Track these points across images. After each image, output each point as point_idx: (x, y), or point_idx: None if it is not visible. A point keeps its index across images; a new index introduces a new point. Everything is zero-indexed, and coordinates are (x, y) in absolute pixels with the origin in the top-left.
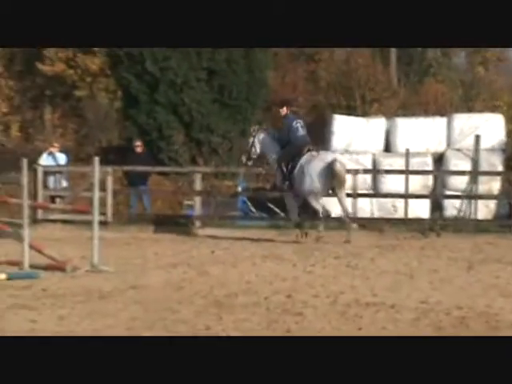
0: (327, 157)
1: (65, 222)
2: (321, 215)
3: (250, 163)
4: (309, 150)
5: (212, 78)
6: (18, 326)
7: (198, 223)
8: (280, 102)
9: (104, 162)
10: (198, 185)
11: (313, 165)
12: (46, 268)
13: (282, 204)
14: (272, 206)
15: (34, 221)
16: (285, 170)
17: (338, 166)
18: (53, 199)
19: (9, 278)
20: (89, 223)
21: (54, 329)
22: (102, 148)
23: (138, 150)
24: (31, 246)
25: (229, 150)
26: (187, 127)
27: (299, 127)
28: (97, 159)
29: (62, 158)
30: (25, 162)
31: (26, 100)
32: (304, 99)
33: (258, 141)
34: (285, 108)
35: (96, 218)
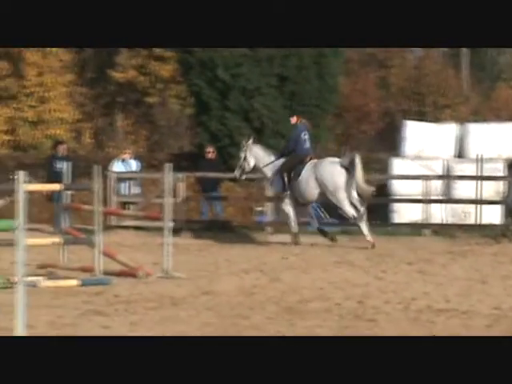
0: (334, 159)
1: (137, 228)
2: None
3: (243, 177)
4: (310, 159)
5: (283, 84)
6: (91, 332)
7: (269, 229)
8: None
9: (176, 168)
10: (269, 191)
11: (325, 168)
12: (119, 274)
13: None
14: (343, 212)
15: (107, 227)
16: (286, 178)
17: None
18: (125, 206)
19: (81, 285)
20: (161, 230)
21: (126, 335)
22: (174, 154)
23: (210, 156)
24: (104, 253)
25: None
26: (258, 133)
27: (306, 139)
28: (168, 166)
29: (133, 165)
30: (97, 168)
31: (98, 107)
32: (375, 105)
33: (251, 154)
34: (295, 117)
35: (168, 224)
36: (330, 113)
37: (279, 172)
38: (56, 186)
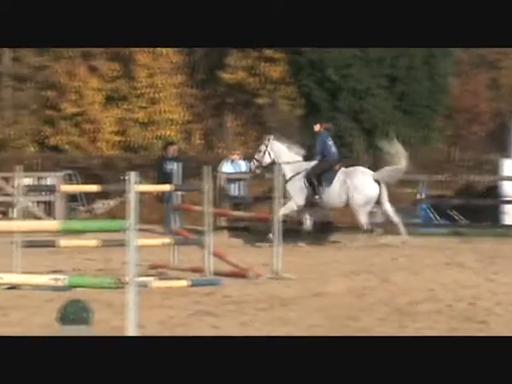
0: (365, 170)
1: (246, 229)
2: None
3: (258, 171)
4: (340, 167)
5: (393, 84)
6: (201, 332)
7: (379, 230)
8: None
9: None
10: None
11: (358, 178)
12: (228, 275)
13: (464, 211)
14: (454, 213)
15: (216, 228)
16: (316, 183)
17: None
18: (234, 206)
19: (192, 285)
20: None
21: (236, 335)
22: None
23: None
24: (214, 253)
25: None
26: (368, 134)
27: (332, 145)
28: (278, 167)
29: (243, 166)
30: (207, 169)
31: (208, 108)
32: (486, 106)
33: (272, 149)
34: (318, 125)
35: (278, 225)
36: (440, 114)
37: (308, 177)
38: (166, 187)
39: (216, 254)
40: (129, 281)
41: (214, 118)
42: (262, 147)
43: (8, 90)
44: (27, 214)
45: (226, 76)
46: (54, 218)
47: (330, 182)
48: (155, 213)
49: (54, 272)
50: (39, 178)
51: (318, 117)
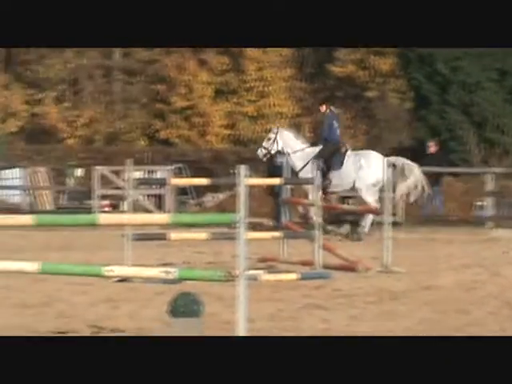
0: (377, 154)
1: (356, 222)
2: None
3: (265, 159)
4: (346, 149)
5: (503, 78)
6: (311, 325)
7: (489, 224)
8: (321, 100)
9: None
10: (490, 185)
11: (371, 160)
12: (338, 268)
13: None
14: None
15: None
16: (324, 167)
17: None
18: (343, 200)
19: (301, 278)
20: (380, 224)
21: (345, 329)
22: (393, 149)
23: (431, 150)
24: (323, 247)
25: None
26: (479, 127)
27: (337, 127)
28: (387, 160)
29: None
30: (317, 162)
31: (317, 101)
32: None
33: (281, 137)
34: (324, 106)
35: (388, 219)
36: None
37: (316, 162)
38: (276, 181)
39: (326, 248)
40: (239, 274)
41: None
42: (271, 135)
43: (118, 84)
44: (138, 208)
45: (335, 69)
46: (164, 212)
47: (340, 164)
48: (265, 206)
49: (164, 265)
50: (149, 172)
51: (428, 110)
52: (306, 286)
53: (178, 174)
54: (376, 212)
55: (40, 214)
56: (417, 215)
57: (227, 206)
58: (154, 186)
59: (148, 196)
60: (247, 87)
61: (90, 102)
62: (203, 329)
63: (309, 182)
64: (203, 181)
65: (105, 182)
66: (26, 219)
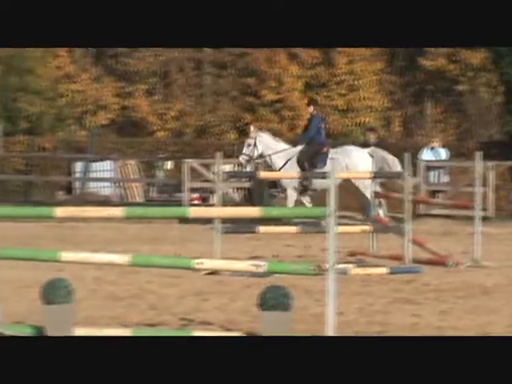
0: (358, 148)
1: (446, 216)
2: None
3: (249, 165)
4: (327, 149)
5: None
6: (401, 320)
7: None
8: (308, 100)
9: (485, 156)
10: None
11: (355, 155)
12: (427, 263)
13: None
14: None
15: (416, 215)
16: (308, 167)
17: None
18: (434, 194)
19: (391, 273)
20: (470, 218)
21: (436, 324)
22: (483, 143)
23: None
24: (413, 241)
25: None
26: None
27: (323, 129)
28: (479, 154)
29: (442, 153)
30: (407, 156)
31: (408, 95)
32: None
33: (260, 141)
34: (311, 107)
35: (478, 213)
36: None
37: (299, 162)
38: (366, 174)
39: (416, 242)
40: (329, 268)
41: (413, 105)
42: (250, 141)
43: (209, 77)
44: (227, 200)
45: (426, 63)
46: (254, 205)
47: (324, 162)
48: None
49: (254, 258)
50: (239, 165)
51: None
52: (396, 281)
53: (267, 167)
54: (468, 207)
55: (130, 207)
56: (507, 209)
57: (318, 200)
58: (243, 179)
59: (237, 189)
60: (337, 80)
61: (180, 95)
62: (292, 322)
63: (398, 175)
64: (293, 174)
65: (194, 175)
66: (117, 211)
